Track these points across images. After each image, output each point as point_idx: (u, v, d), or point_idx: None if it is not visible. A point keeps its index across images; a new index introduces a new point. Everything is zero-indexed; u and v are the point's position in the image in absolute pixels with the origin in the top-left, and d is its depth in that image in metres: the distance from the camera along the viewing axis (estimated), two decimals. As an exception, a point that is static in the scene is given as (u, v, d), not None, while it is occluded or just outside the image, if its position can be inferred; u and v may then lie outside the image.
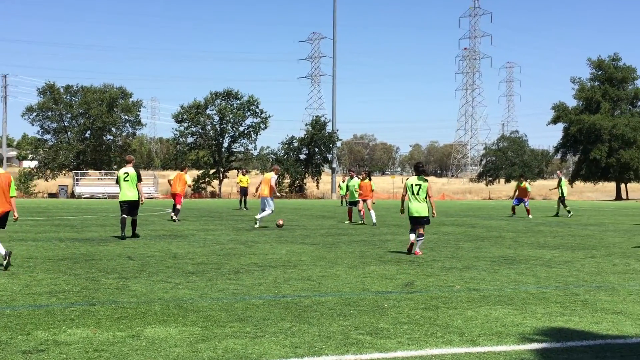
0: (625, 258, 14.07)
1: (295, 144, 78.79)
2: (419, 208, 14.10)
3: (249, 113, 75.49)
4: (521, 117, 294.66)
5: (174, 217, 24.81)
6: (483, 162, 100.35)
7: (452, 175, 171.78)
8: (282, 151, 78.19)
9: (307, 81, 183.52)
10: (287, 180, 77.32)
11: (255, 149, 78.96)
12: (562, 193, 32.30)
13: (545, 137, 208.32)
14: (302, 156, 79.27)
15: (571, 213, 32.56)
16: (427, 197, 14.16)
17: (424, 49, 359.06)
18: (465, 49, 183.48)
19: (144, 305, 8.21)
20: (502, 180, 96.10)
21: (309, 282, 10.26)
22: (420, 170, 14.34)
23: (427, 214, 14.15)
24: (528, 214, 31.49)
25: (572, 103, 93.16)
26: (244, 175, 39.60)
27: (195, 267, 11.80)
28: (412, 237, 14.18)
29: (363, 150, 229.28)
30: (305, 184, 79.23)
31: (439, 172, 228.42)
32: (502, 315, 7.83)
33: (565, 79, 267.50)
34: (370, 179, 25.56)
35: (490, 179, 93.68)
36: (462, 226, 23.01)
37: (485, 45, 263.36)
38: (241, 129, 75.63)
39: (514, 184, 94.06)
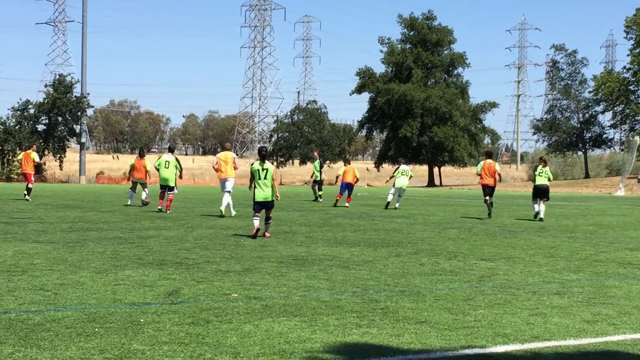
0: (435, 256, 14.98)
1: (32, 111, 76.58)
2: (266, 193, 17.63)
3: (-34, 68, 71.77)
4: (320, 84, 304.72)
5: (27, 197, 32.44)
6: (274, 139, 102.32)
7: (237, 154, 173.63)
8: (13, 120, 75.49)
9: (49, 28, 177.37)
10: (19, 158, 74.44)
11: (-25, 116, 75.30)
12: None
13: (348, 109, 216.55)
14: (41, 127, 77.04)
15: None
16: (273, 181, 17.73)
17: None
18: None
19: None
20: (297, 162, 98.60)
21: (43, 292, 9.95)
22: (262, 155, 17.86)
23: (273, 198, 17.78)
24: (347, 202, 33.76)
25: (380, 69, 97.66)
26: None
27: None
28: (257, 223, 17.47)
29: (123, 121, 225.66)
30: (45, 164, 76.81)
31: (219, 149, 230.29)
32: (287, 330, 8.04)
33: (373, 39, 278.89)
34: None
35: (282, 159, 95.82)
36: (246, 218, 23.31)
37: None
38: (-45, 88, 71.84)
39: (310, 166, 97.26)
